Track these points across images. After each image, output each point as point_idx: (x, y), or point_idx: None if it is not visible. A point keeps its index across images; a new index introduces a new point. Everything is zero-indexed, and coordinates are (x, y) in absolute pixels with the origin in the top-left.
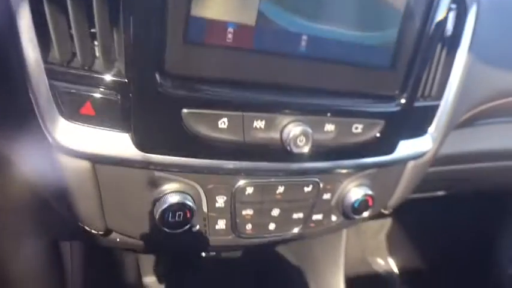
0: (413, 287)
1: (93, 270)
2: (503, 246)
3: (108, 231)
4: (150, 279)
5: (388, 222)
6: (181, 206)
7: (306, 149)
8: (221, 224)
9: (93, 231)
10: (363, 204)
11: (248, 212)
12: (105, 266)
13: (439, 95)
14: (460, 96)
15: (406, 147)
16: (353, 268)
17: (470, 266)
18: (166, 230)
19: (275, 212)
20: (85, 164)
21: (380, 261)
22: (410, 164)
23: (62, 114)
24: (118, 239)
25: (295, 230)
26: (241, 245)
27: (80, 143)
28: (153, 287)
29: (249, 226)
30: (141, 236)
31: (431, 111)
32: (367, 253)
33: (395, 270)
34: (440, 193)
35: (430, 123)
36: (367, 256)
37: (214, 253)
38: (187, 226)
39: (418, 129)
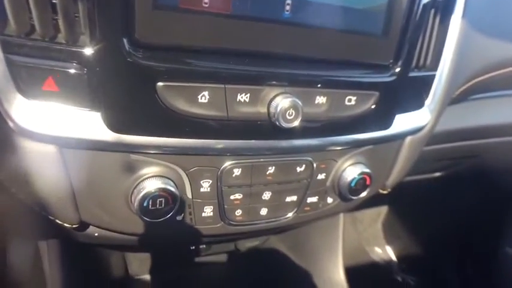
0: (412, 274)
1: (75, 272)
2: (504, 232)
3: (83, 225)
4: (138, 280)
5: (384, 210)
6: (161, 192)
7: (296, 123)
8: (208, 211)
9: (66, 225)
10: (360, 184)
11: (237, 196)
12: (89, 267)
13: (434, 65)
14: (456, 67)
15: (403, 122)
16: (350, 258)
17: (469, 251)
18: (146, 219)
19: (266, 195)
20: (50, 149)
21: (378, 249)
22: (408, 140)
23: (21, 92)
24: (96, 234)
25: (289, 215)
26: (231, 233)
27: (43, 124)
28: None
29: (238, 212)
30: (120, 229)
31: (427, 82)
32: (364, 242)
33: (394, 258)
34: (438, 174)
35: (426, 95)
36: (365, 245)
37: (203, 246)
38: (170, 214)
39: (414, 101)
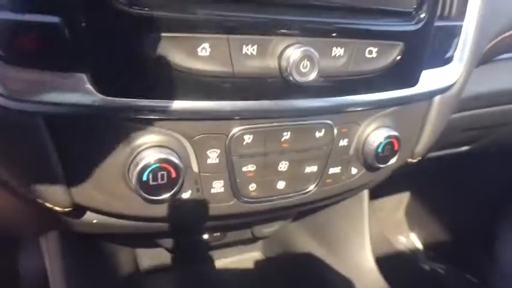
0: (440, 262)
1: (79, 269)
2: None
3: (78, 210)
4: (149, 277)
5: (406, 197)
6: (163, 164)
7: (312, 77)
8: (218, 187)
9: (57, 209)
10: (387, 149)
11: (250, 168)
12: (96, 264)
13: (460, 15)
14: (483, 19)
15: (430, 79)
16: (373, 247)
17: (500, 235)
18: (147, 197)
19: (283, 165)
20: (34, 121)
21: (401, 238)
22: (437, 100)
23: None
24: (94, 221)
25: (310, 188)
26: (246, 212)
27: (22, 91)
28: (154, 286)
29: (252, 186)
30: (119, 211)
31: (454, 34)
32: (386, 231)
33: (419, 246)
34: (464, 148)
35: (454, 48)
36: (387, 234)
37: (217, 234)
38: (174, 191)
39: (441, 56)
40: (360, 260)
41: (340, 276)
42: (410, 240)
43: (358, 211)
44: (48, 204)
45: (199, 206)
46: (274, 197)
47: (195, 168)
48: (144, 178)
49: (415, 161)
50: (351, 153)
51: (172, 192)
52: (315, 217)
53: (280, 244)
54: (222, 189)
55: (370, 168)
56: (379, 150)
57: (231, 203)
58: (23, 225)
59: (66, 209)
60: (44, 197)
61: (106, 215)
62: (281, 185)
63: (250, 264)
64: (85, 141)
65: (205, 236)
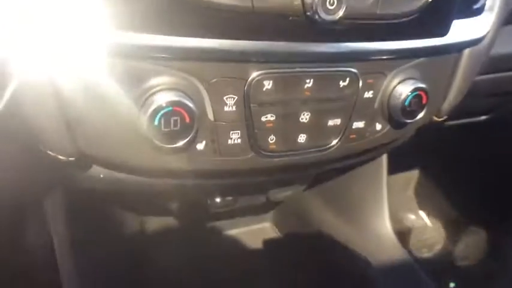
0: (450, 240)
1: (83, 234)
2: None
3: (83, 161)
4: (156, 246)
5: (415, 176)
6: (176, 107)
7: (338, 15)
8: (235, 138)
9: (60, 157)
10: (415, 103)
11: (269, 117)
12: (100, 230)
13: None
14: None
15: (460, 30)
16: None
17: (507, 214)
18: (158, 143)
19: (305, 116)
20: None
21: (410, 216)
22: (466, 53)
23: None
24: (101, 175)
25: (332, 143)
26: (263, 168)
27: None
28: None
29: (272, 139)
30: (128, 162)
31: None
32: (395, 209)
33: (429, 224)
34: (483, 117)
35: None
36: (396, 212)
37: (230, 198)
38: (188, 139)
39: (472, 5)
40: (378, 228)
41: (357, 245)
42: (420, 217)
43: (377, 177)
44: (51, 153)
45: (215, 158)
46: (295, 152)
47: (211, 116)
48: (156, 123)
49: (440, 120)
50: (376, 106)
51: (185, 140)
52: (331, 185)
53: (293, 214)
54: (239, 141)
55: (395, 124)
56: (406, 103)
57: (249, 156)
58: (28, 185)
59: (70, 159)
60: (47, 144)
61: (114, 169)
62: (302, 138)
63: (260, 235)
64: (91, 83)
65: (217, 200)
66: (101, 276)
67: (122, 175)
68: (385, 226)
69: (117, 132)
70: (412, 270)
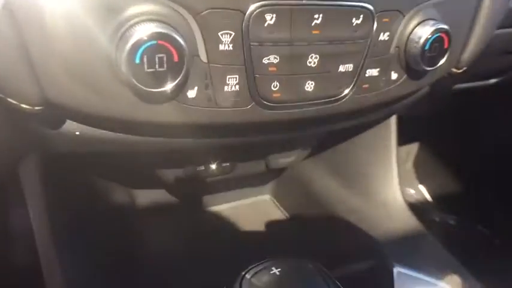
0: (451, 213)
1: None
2: None
3: (52, 111)
4: (147, 221)
5: (414, 149)
6: (161, 41)
7: None
8: (232, 83)
9: (24, 106)
10: (436, 47)
11: (272, 59)
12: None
13: None
14: None
15: None
16: None
17: (507, 187)
18: (140, 87)
19: (313, 60)
20: None
21: (410, 190)
22: None
23: None
24: (77, 132)
25: (344, 92)
26: (264, 122)
27: None
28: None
29: (275, 85)
30: (105, 112)
31: None
32: None
33: (429, 198)
34: (492, 81)
35: None
36: None
37: (226, 164)
38: (176, 82)
39: None
40: (389, 197)
41: (365, 215)
42: (420, 192)
43: (386, 143)
44: (13, 101)
45: (209, 109)
46: (301, 103)
47: (203, 56)
48: (137, 60)
49: (459, 71)
50: (392, 52)
51: (174, 83)
52: (335, 153)
53: (293, 185)
54: (238, 88)
55: (412, 73)
56: (426, 47)
57: (249, 107)
58: None
59: (36, 108)
60: (7, 90)
61: (89, 123)
62: (310, 86)
63: (258, 209)
64: (58, 12)
65: (213, 167)
66: (86, 261)
67: (100, 133)
68: (396, 195)
69: (90, 73)
70: (428, 241)
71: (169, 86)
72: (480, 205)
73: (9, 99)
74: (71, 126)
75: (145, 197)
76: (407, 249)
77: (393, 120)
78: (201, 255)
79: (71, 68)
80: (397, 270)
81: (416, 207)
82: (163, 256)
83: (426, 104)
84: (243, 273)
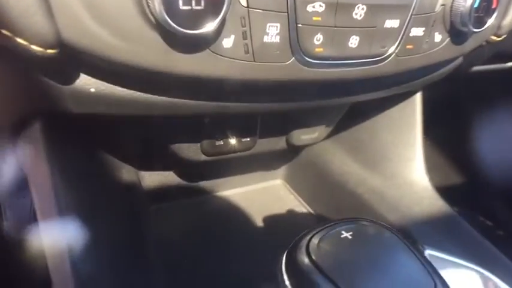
0: (454, 205)
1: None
2: None
3: (66, 55)
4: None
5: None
6: None
7: None
8: (272, 33)
9: (35, 48)
10: (484, 6)
11: (317, 7)
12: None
13: None
14: None
15: None
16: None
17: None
18: (174, 26)
19: (359, 11)
20: None
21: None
22: None
23: None
24: (93, 89)
25: (389, 51)
26: (303, 81)
27: None
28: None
29: (318, 38)
30: (128, 57)
31: None
32: None
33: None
34: (510, 64)
35: None
36: None
37: (247, 139)
38: (215, 25)
39: None
40: (413, 178)
41: (389, 198)
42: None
43: (411, 120)
44: (22, 41)
45: (245, 62)
46: (344, 62)
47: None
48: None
49: (499, 39)
50: (437, 10)
51: (213, 25)
52: (355, 134)
53: (308, 169)
54: (278, 39)
55: (456, 35)
56: (476, 5)
57: (288, 62)
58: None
59: (48, 51)
60: (15, 26)
61: (107, 78)
62: (354, 41)
63: (271, 194)
64: None
65: (232, 141)
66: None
67: (118, 91)
68: (422, 176)
69: (115, 9)
70: (457, 223)
71: (207, 28)
72: (482, 197)
73: (17, 39)
74: (86, 82)
75: (154, 178)
76: (436, 231)
77: (418, 99)
78: (221, 240)
79: (92, 4)
80: (427, 252)
81: (420, 196)
82: (171, 241)
83: (440, 88)
84: (308, 237)
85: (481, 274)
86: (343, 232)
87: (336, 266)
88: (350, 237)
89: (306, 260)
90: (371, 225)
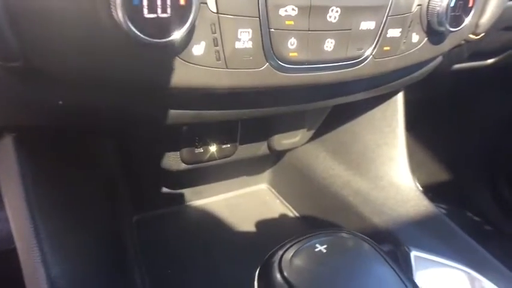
0: (441, 202)
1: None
2: None
3: (30, 67)
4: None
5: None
6: None
7: None
8: (244, 39)
9: None
10: (461, 5)
11: (290, 11)
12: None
13: None
14: None
15: None
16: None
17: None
18: (139, 35)
19: (334, 14)
20: None
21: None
22: None
23: None
24: (61, 102)
25: (366, 53)
26: (278, 86)
27: None
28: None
29: (292, 42)
30: (93, 67)
31: None
32: None
33: (418, 187)
34: (490, 61)
35: None
36: None
37: (227, 145)
38: (182, 32)
39: None
40: (399, 179)
41: (374, 199)
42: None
43: (394, 120)
44: None
45: (218, 69)
46: (319, 66)
47: (212, 4)
48: (136, 1)
49: (477, 38)
50: (414, 10)
51: (181, 32)
52: (338, 136)
53: (292, 172)
54: (251, 44)
55: (433, 35)
56: (452, 4)
57: (262, 68)
58: None
59: (10, 64)
60: None
61: (78, 89)
62: (330, 44)
63: (257, 199)
64: None
65: (212, 149)
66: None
67: (89, 102)
68: (406, 177)
69: (78, 21)
70: (443, 224)
71: (175, 36)
72: (469, 193)
73: None
74: (55, 93)
75: (136, 190)
76: (422, 232)
77: (400, 99)
78: (206, 248)
79: (52, 17)
80: (413, 254)
81: (406, 194)
82: (167, 252)
83: (421, 87)
84: (281, 252)
85: (468, 274)
86: (317, 245)
87: (308, 281)
88: (324, 250)
89: (278, 277)
90: (347, 237)
